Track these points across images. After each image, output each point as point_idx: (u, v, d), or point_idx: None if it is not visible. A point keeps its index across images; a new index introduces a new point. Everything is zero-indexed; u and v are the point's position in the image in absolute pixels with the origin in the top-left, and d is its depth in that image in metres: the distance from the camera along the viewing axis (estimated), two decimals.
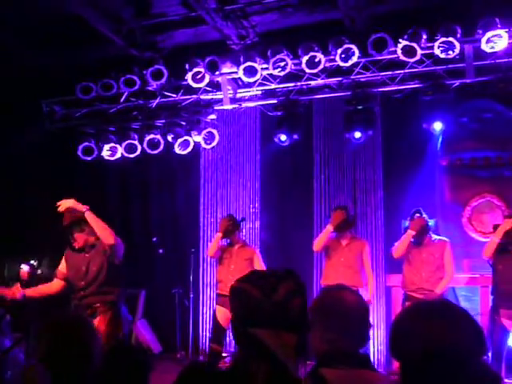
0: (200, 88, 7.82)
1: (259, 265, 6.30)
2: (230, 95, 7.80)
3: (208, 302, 8.21)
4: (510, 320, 5.39)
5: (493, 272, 5.53)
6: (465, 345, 1.49)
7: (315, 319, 2.00)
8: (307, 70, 7.15)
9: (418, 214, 5.79)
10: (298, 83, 7.50)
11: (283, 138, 7.41)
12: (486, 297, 5.91)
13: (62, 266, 4.94)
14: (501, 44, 6.47)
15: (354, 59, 6.95)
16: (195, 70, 7.62)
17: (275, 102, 7.56)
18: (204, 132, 7.86)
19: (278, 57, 7.22)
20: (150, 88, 8.02)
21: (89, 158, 8.16)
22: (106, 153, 8.14)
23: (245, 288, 1.64)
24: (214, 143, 7.85)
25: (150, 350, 7.82)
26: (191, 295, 7.95)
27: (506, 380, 5.69)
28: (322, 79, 7.40)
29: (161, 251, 8.01)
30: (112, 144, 8.14)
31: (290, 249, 7.85)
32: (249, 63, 7.32)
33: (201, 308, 8.25)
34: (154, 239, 8.10)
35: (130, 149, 8.09)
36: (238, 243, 6.40)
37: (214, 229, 8.06)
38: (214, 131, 7.83)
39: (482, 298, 6.15)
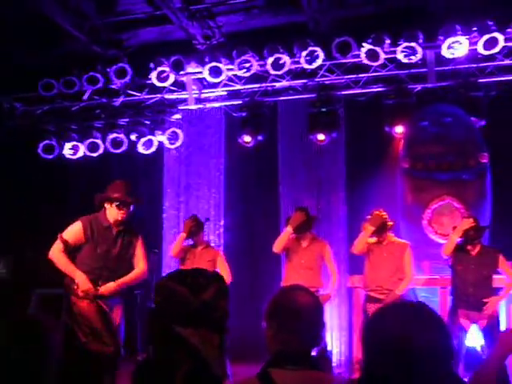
0: (165, 87, 7.78)
1: (223, 266, 6.28)
2: (195, 95, 7.78)
3: None
4: (468, 320, 5.50)
5: (452, 273, 5.64)
6: (438, 348, 1.50)
7: (269, 319, 2.01)
8: (272, 72, 7.20)
9: (377, 211, 5.87)
10: (263, 84, 7.53)
11: (248, 139, 7.43)
12: (445, 298, 6.02)
13: None
14: (461, 50, 6.63)
15: (319, 62, 7.02)
16: (160, 69, 7.59)
17: (240, 102, 7.58)
18: (168, 132, 7.82)
19: (243, 58, 7.25)
20: (113, 86, 7.94)
21: (49, 157, 8.03)
22: (67, 151, 8.02)
23: (172, 286, 1.64)
24: (178, 143, 7.82)
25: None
26: (153, 296, 7.86)
27: (465, 379, 5.79)
28: (287, 81, 7.45)
29: None
30: (74, 142, 8.02)
31: (255, 250, 7.86)
32: (214, 63, 7.32)
33: None
34: None
35: (93, 147, 8.00)
36: (202, 244, 6.36)
37: (177, 230, 8.00)
38: (179, 131, 7.79)
39: (441, 299, 6.26)
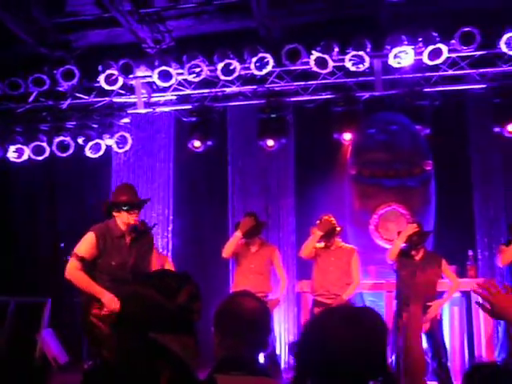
0: (113, 90, 7.68)
1: None
2: (144, 99, 7.70)
3: None
4: None
5: (396, 278, 5.75)
6: (366, 352, 1.51)
7: (215, 325, 2.02)
8: (222, 77, 7.20)
9: (325, 216, 5.94)
10: (213, 90, 7.52)
11: (197, 144, 7.40)
12: (391, 302, 6.11)
13: None
14: (407, 60, 6.79)
15: (269, 68, 7.07)
16: (108, 72, 7.48)
17: (190, 107, 7.55)
18: (116, 135, 7.72)
19: (193, 62, 7.22)
20: (60, 88, 7.77)
21: None
22: (11, 154, 7.80)
23: (142, 292, 1.61)
24: (127, 147, 7.72)
25: (56, 360, 7.52)
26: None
27: None
28: (237, 87, 7.47)
29: (69, 258, 7.71)
30: (18, 145, 7.81)
31: (204, 255, 7.81)
32: (164, 67, 7.26)
33: None
34: (62, 245, 7.80)
35: (38, 151, 7.79)
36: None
37: None
38: (127, 135, 7.70)
39: (386, 303, 6.36)
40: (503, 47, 6.60)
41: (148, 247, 4.60)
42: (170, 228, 8.01)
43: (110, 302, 4.18)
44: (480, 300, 2.01)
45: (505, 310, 1.93)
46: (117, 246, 4.41)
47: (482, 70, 7.05)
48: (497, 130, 7.07)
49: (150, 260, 4.59)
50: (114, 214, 4.44)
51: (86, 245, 4.38)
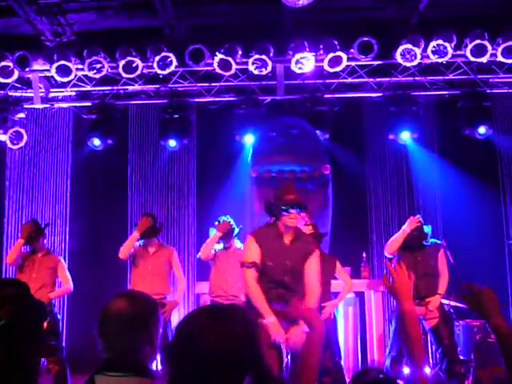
0: (8, 83, 7.34)
1: (64, 274, 6.03)
2: (42, 94, 7.42)
3: None
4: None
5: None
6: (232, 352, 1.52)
7: (97, 326, 1.98)
8: (124, 75, 7.06)
9: (224, 217, 5.96)
10: (115, 87, 7.36)
11: (97, 142, 7.22)
12: None
13: None
14: (308, 66, 6.94)
15: (172, 68, 7.01)
16: (3, 63, 7.16)
17: (90, 104, 7.35)
18: (11, 131, 7.40)
19: (94, 58, 7.03)
20: None
21: None
22: None
23: None
24: (22, 143, 7.42)
25: None
26: None
27: None
28: (140, 85, 7.35)
29: None
30: None
31: (102, 256, 7.62)
32: (63, 62, 7.02)
33: None
34: None
35: None
36: (42, 251, 6.05)
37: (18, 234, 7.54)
38: (22, 131, 7.40)
39: None
40: (399, 58, 6.89)
41: (307, 252, 4.17)
42: (67, 229, 7.75)
43: (275, 328, 3.86)
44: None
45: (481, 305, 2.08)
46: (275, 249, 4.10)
47: (378, 79, 7.35)
48: (391, 137, 7.39)
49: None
50: (277, 213, 4.12)
51: (251, 250, 4.09)
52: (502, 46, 6.74)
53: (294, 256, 4.10)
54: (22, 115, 7.58)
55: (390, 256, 5.92)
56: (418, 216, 5.92)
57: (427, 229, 5.89)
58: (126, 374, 1.88)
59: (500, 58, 6.84)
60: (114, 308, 1.99)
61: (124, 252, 5.99)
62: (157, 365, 4.66)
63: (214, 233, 5.99)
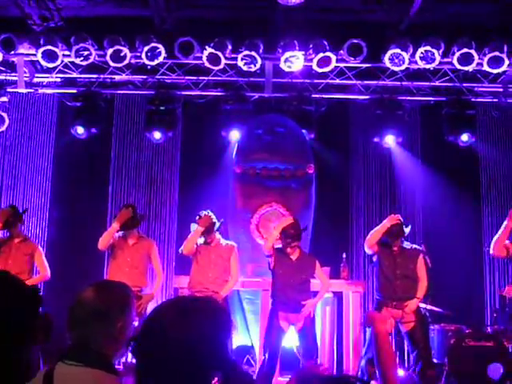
0: None
1: (41, 261, 5.97)
2: (26, 78, 7.30)
3: None
4: (286, 322, 5.74)
5: (272, 276, 5.85)
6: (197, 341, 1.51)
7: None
8: (111, 64, 6.98)
9: (205, 212, 5.95)
10: (102, 76, 7.28)
11: (80, 130, 7.14)
12: (267, 300, 6.21)
13: None
14: (297, 65, 6.94)
15: (160, 59, 6.95)
16: None
17: (75, 91, 7.25)
18: None
19: (81, 45, 6.93)
20: None
21: None
22: None
23: None
24: (3, 128, 7.32)
25: None
26: None
27: (280, 378, 6.04)
28: (127, 75, 7.29)
29: None
30: None
31: (81, 246, 7.52)
32: (49, 47, 6.90)
33: None
34: None
35: None
36: (19, 237, 5.98)
37: None
38: (4, 115, 7.30)
39: (263, 301, 6.45)
40: (387, 62, 6.94)
41: None
42: (46, 215, 7.65)
43: None
44: None
45: None
46: None
47: (366, 82, 7.39)
48: (376, 139, 7.44)
49: None
50: None
51: None
52: (488, 56, 6.83)
53: None
54: (4, 99, 7.45)
55: (370, 252, 5.96)
56: (398, 215, 5.97)
57: (407, 229, 5.95)
58: (80, 364, 1.86)
59: (486, 68, 6.93)
60: (81, 296, 1.98)
61: (103, 243, 5.93)
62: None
63: (195, 228, 5.96)
